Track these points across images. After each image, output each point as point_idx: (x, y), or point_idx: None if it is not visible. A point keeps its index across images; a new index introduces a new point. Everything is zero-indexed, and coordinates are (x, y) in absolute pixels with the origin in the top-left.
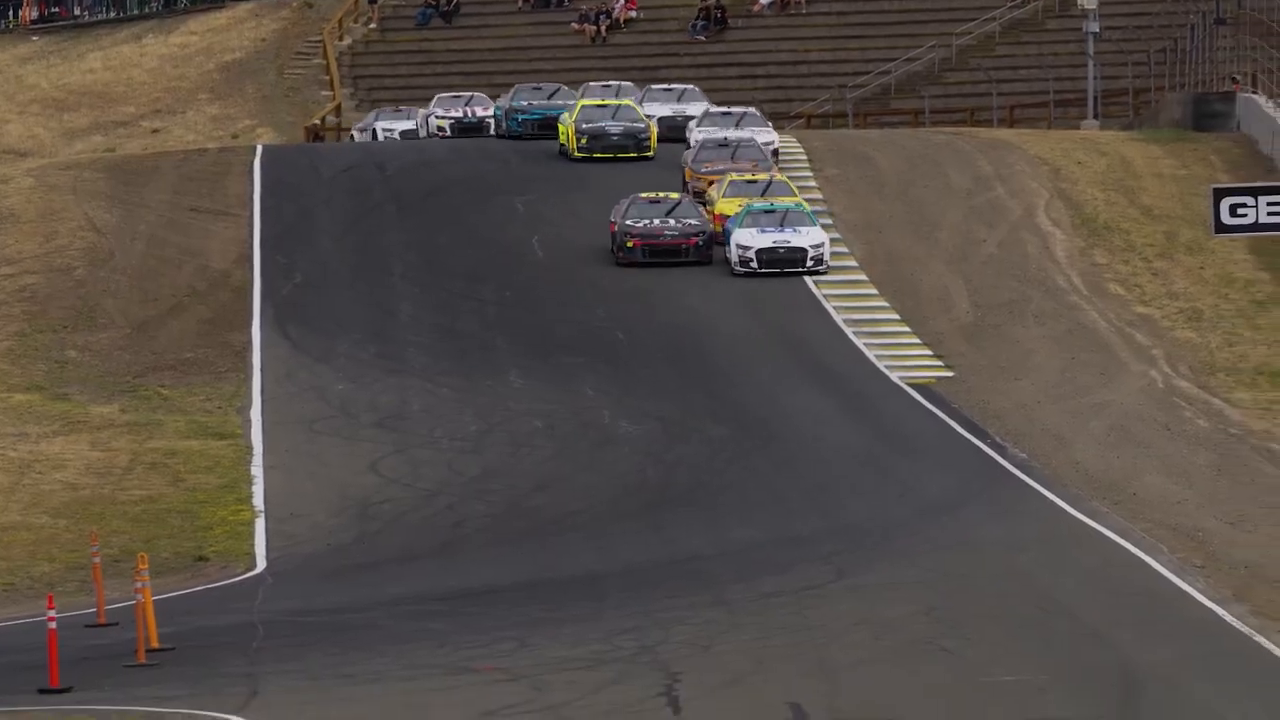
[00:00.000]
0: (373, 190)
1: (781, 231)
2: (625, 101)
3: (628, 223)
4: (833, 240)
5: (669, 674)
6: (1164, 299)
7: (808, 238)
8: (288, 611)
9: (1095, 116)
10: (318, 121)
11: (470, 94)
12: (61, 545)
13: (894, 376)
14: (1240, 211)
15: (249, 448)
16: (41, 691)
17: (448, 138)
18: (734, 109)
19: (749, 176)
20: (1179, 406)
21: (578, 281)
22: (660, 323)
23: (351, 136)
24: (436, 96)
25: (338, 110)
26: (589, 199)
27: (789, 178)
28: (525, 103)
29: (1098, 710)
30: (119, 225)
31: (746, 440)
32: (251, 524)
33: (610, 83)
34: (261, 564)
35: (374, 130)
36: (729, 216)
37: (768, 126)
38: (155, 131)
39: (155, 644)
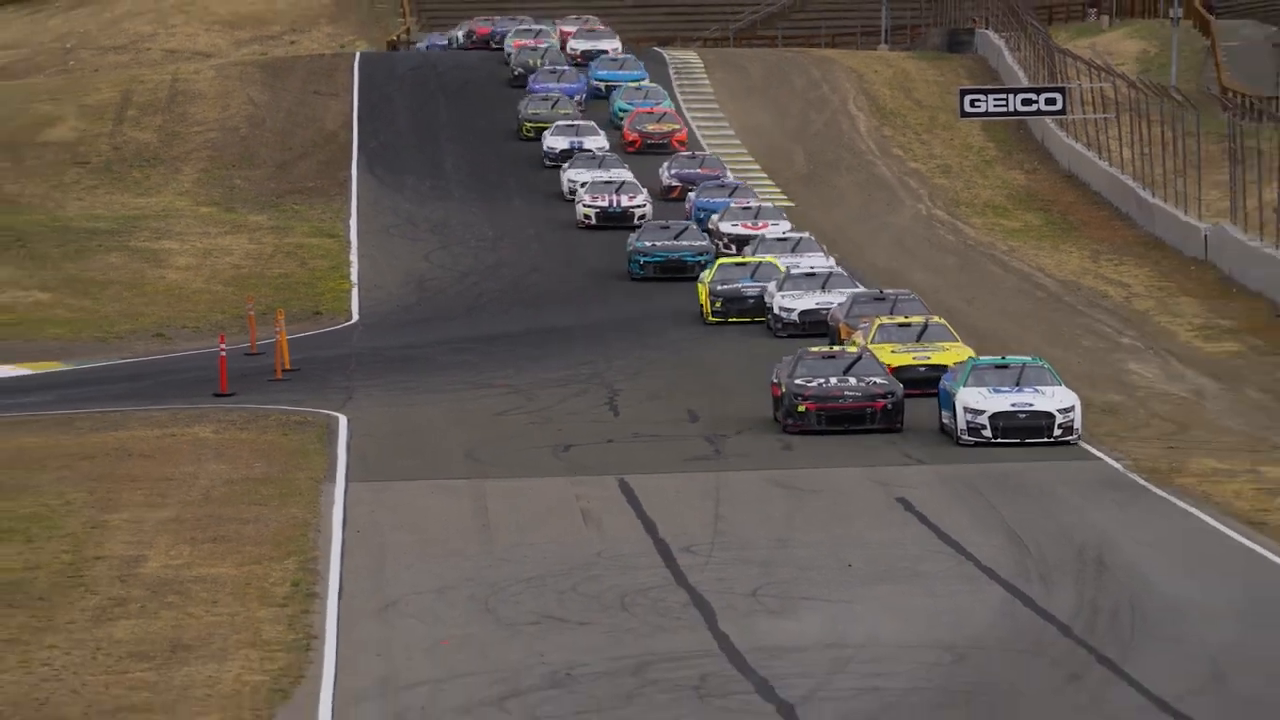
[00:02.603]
0: (429, 83)
1: (1020, 392)
2: (768, 259)
3: (798, 382)
4: (717, 121)
5: (612, 390)
6: (927, 158)
7: (1054, 399)
8: (372, 348)
9: (886, 42)
10: (394, 37)
11: (621, 179)
12: (229, 303)
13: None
14: (977, 104)
15: (348, 243)
16: (215, 395)
17: (592, 227)
18: (818, 269)
19: (901, 320)
20: (936, 227)
21: None
22: None
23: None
24: (590, 180)
25: (408, 30)
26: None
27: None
28: (649, 244)
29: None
30: (269, 101)
31: None
32: (349, 292)
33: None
34: (356, 317)
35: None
36: (946, 369)
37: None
38: (292, 43)
39: (288, 366)
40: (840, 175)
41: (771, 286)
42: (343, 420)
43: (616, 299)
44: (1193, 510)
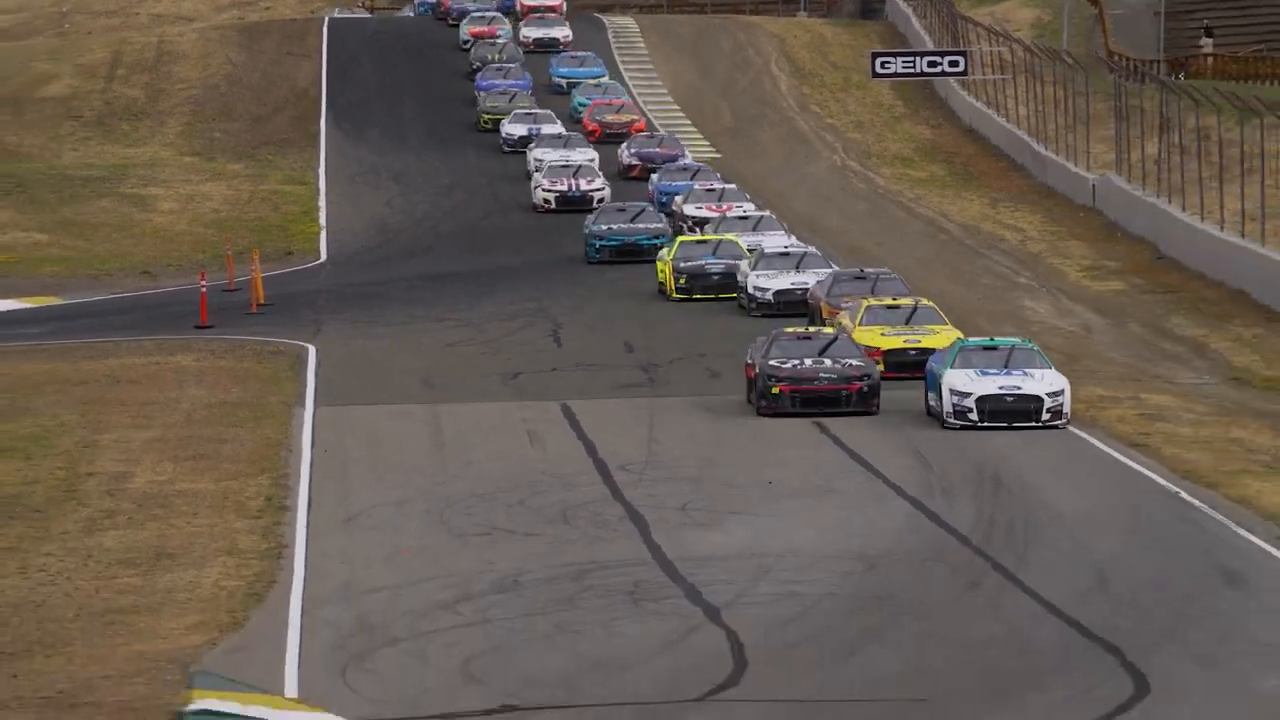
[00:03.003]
0: (394, 46)
1: (1008, 374)
2: (729, 237)
3: (772, 363)
4: (650, 79)
5: (555, 323)
6: (842, 115)
7: (1043, 383)
8: (338, 284)
9: (804, 10)
10: (362, 3)
11: (578, 163)
12: (209, 244)
13: (690, 159)
14: (886, 66)
15: (318, 190)
16: (196, 327)
17: (551, 211)
18: (792, 249)
19: (889, 301)
20: (849, 177)
21: None
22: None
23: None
24: (547, 165)
25: None
26: (537, 56)
27: (626, 70)
28: (605, 226)
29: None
30: (247, 61)
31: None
32: (319, 234)
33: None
34: (324, 256)
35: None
36: (935, 353)
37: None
38: (267, 8)
39: (262, 301)
40: (763, 130)
41: (744, 266)
42: (312, 350)
43: (560, 241)
44: (1080, 433)
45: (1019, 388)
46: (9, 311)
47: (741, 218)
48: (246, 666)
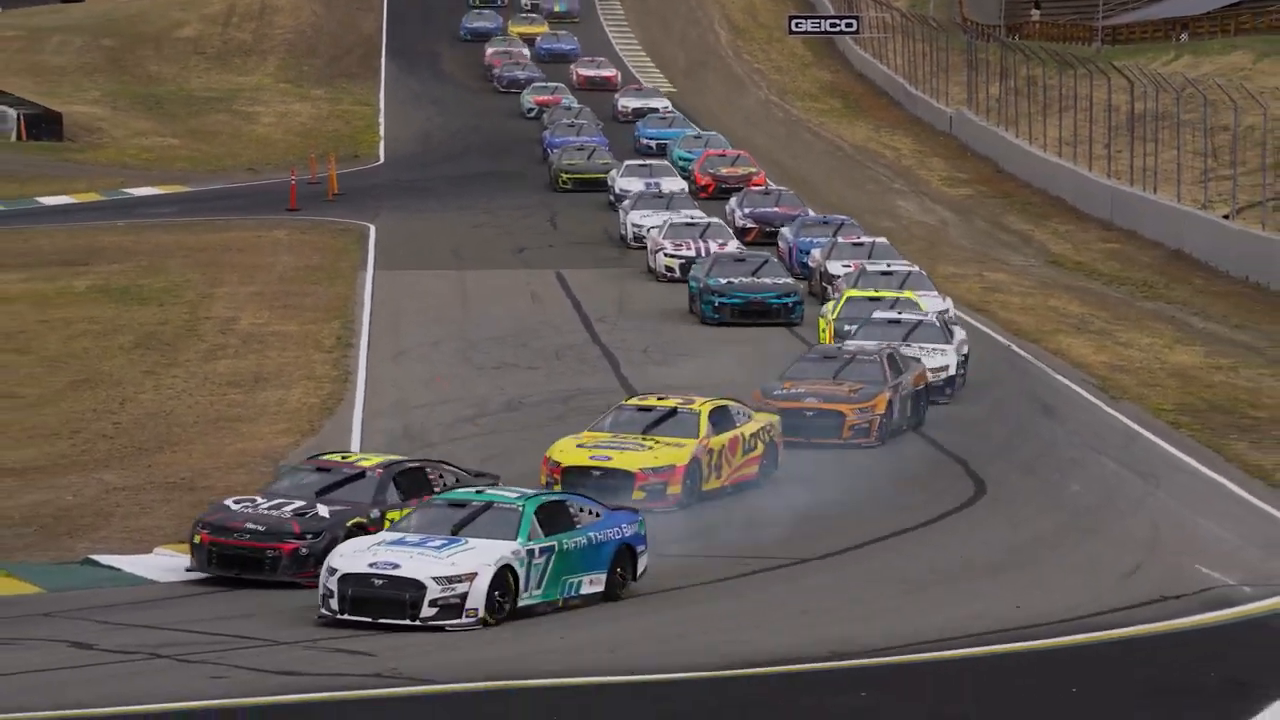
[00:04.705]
0: (436, 10)
1: (412, 545)
2: (907, 294)
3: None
4: (627, 35)
5: (552, 212)
6: (765, 61)
7: (441, 562)
8: (393, 180)
9: None
10: None
11: (707, 220)
12: (298, 149)
13: (653, 88)
14: (800, 25)
15: (378, 110)
16: (288, 210)
17: (676, 280)
18: (950, 311)
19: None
20: (772, 108)
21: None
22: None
23: None
24: (668, 223)
25: None
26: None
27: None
28: (724, 280)
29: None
30: (327, 13)
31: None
32: (378, 143)
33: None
34: (383, 159)
35: None
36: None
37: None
38: None
39: (336, 191)
40: (709, 72)
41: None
42: (372, 229)
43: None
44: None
45: (396, 567)
46: (149, 196)
47: (885, 273)
48: None
